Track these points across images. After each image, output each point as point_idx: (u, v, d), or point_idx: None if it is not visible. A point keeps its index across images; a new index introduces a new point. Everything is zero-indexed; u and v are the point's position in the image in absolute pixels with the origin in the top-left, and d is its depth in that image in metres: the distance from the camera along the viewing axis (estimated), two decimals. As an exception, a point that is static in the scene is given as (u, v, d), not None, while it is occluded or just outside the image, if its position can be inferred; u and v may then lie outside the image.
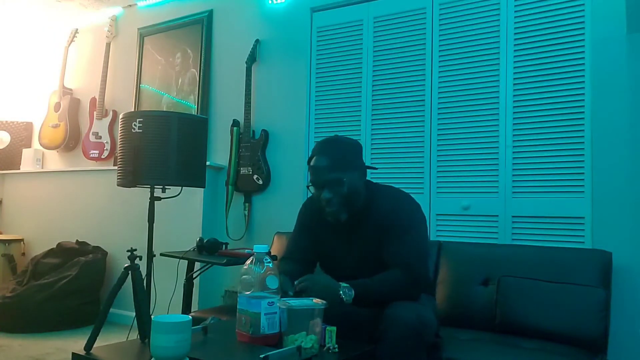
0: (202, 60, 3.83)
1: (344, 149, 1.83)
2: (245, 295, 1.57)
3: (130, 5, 4.35)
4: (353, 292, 1.65)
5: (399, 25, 3.04)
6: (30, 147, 4.79)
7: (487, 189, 2.71)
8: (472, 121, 2.77)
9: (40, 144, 4.60)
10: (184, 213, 3.52)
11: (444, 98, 2.87)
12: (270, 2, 3.55)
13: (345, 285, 1.66)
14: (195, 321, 1.58)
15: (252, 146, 3.45)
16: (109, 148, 4.20)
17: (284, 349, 1.44)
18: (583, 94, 2.50)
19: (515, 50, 2.68)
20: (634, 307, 2.28)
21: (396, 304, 1.63)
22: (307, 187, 1.84)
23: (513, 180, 2.64)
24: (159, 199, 2.35)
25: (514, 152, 2.65)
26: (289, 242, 2.10)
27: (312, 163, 1.82)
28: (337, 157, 1.79)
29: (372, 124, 3.08)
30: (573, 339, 2.00)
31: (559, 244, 2.45)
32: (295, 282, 1.67)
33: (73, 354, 1.60)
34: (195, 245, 2.74)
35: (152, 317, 1.65)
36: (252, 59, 3.54)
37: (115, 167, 2.49)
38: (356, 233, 1.85)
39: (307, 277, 1.70)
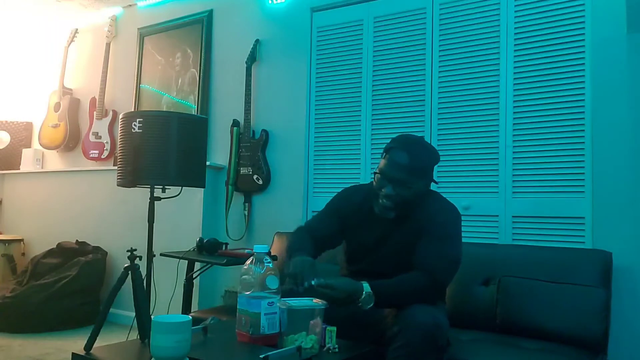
0: (202, 60, 3.83)
1: (427, 157, 1.85)
2: (245, 296, 1.57)
3: (130, 5, 4.35)
4: (373, 301, 1.64)
5: (399, 25, 3.04)
6: (30, 147, 4.79)
7: (487, 189, 2.71)
8: (472, 121, 2.77)
9: (40, 144, 4.60)
10: (184, 213, 3.52)
11: (444, 98, 2.86)
12: (270, 2, 3.55)
13: (368, 291, 1.63)
14: (195, 321, 1.58)
15: (252, 146, 3.45)
16: (108, 148, 4.20)
17: (284, 349, 1.44)
18: (583, 94, 2.50)
19: (515, 51, 2.67)
20: (634, 307, 2.28)
21: (412, 306, 1.64)
22: (374, 173, 1.85)
23: (513, 180, 2.64)
24: (159, 199, 2.35)
25: (514, 152, 2.64)
26: (314, 217, 2.09)
27: (392, 154, 1.82)
28: (418, 162, 1.80)
29: (372, 124, 3.08)
30: (573, 339, 2.00)
31: (559, 244, 2.44)
32: (315, 282, 1.62)
33: (73, 354, 1.61)
34: (195, 245, 2.74)
35: (152, 317, 1.65)
36: (252, 59, 3.53)
37: (115, 167, 2.49)
38: (393, 231, 1.87)
39: (330, 283, 1.64)
